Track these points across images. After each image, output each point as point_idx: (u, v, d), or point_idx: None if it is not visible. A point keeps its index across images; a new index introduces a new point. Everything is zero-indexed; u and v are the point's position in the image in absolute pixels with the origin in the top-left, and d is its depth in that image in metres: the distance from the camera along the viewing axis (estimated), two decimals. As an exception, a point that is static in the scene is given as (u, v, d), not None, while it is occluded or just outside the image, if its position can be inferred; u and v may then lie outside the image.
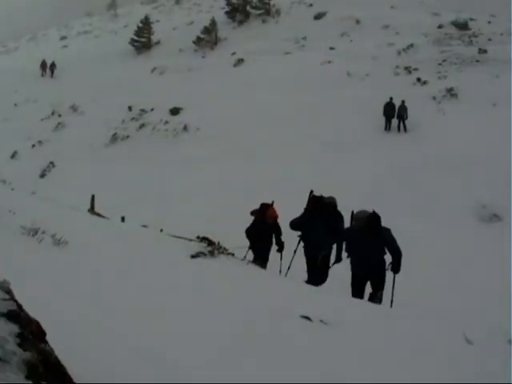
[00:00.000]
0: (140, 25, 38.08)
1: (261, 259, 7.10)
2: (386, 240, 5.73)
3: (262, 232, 7.15)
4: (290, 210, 7.17)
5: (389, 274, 5.72)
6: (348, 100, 19.90)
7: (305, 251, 6.63)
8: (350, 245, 5.89)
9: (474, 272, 8.88)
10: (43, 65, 34.26)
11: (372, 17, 31.90)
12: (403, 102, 18.06)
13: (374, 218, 5.76)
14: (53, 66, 34.09)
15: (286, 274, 6.88)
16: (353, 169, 14.31)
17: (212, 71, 28.14)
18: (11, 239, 2.93)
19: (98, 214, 8.01)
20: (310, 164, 15.50)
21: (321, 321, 2.78)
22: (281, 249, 7.34)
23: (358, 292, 5.74)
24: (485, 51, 23.92)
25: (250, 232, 7.27)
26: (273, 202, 7.39)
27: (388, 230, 5.78)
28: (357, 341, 2.70)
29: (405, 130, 17.88)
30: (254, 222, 7.34)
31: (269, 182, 14.19)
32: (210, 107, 22.12)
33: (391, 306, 5.59)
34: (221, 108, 21.72)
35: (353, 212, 6.02)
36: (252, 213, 7.44)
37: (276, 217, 7.29)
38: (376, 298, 5.56)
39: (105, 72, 31.82)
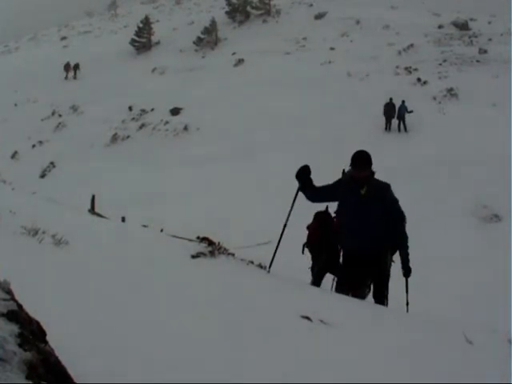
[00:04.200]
0: (140, 25, 38.13)
1: (321, 275, 6.49)
2: (383, 200, 4.06)
3: (328, 244, 6.46)
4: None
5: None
6: (348, 100, 19.92)
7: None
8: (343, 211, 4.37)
9: (474, 272, 8.88)
10: (67, 67, 33.78)
11: (372, 17, 31.96)
12: (403, 102, 18.08)
13: (365, 156, 4.03)
14: (76, 67, 33.58)
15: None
16: (353, 169, 14.28)
17: (212, 71, 28.16)
18: (11, 239, 2.93)
19: (98, 214, 8.01)
20: (309, 164, 15.48)
21: (321, 321, 2.78)
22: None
23: (346, 286, 4.15)
24: (485, 51, 23.98)
25: (313, 246, 6.65)
26: (327, 208, 6.79)
27: (387, 186, 4.16)
28: (357, 341, 2.70)
29: (405, 130, 17.90)
30: (315, 234, 6.69)
31: (269, 182, 14.21)
32: (211, 107, 22.13)
33: (407, 310, 4.51)
34: (221, 108, 21.74)
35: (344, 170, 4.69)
36: (308, 227, 6.79)
37: None
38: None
39: (105, 72, 31.84)
